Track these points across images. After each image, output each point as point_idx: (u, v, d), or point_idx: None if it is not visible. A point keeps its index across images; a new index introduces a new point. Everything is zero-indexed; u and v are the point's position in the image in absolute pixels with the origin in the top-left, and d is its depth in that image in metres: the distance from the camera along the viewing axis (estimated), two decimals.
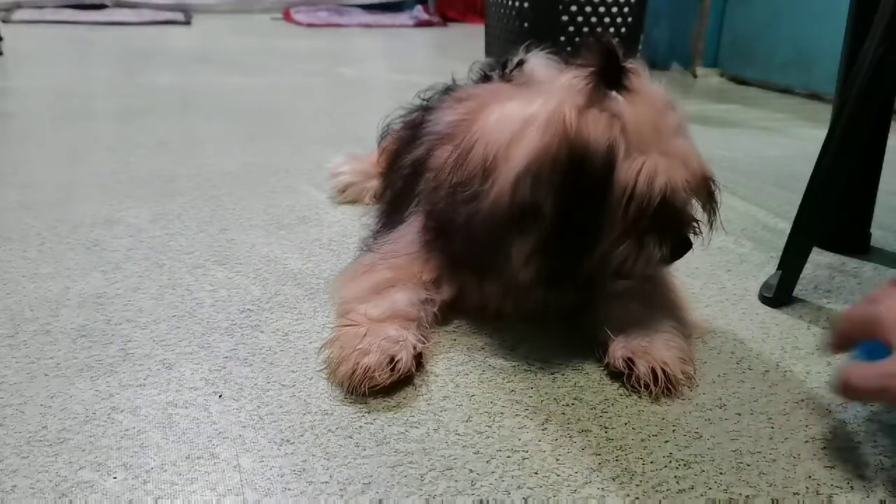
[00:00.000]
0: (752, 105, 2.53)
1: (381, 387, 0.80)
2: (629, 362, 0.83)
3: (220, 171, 1.59)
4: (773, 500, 0.67)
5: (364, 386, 0.79)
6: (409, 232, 0.97)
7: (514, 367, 0.87)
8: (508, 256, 0.84)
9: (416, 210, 0.98)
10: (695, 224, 0.86)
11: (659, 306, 0.91)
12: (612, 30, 2.56)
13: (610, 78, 0.81)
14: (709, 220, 0.87)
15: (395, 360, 0.81)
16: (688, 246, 0.86)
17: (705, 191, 0.84)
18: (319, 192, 1.47)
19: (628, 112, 0.80)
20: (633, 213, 0.80)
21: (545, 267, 0.83)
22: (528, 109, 0.83)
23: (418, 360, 0.85)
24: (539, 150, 0.79)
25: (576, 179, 0.78)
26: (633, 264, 0.84)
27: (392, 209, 1.09)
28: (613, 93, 0.81)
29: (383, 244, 0.99)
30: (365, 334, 0.83)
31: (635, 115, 0.80)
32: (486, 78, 1.10)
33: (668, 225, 0.84)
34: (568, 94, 0.81)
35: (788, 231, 1.12)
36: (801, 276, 1.08)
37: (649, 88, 0.84)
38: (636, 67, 0.84)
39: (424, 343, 0.86)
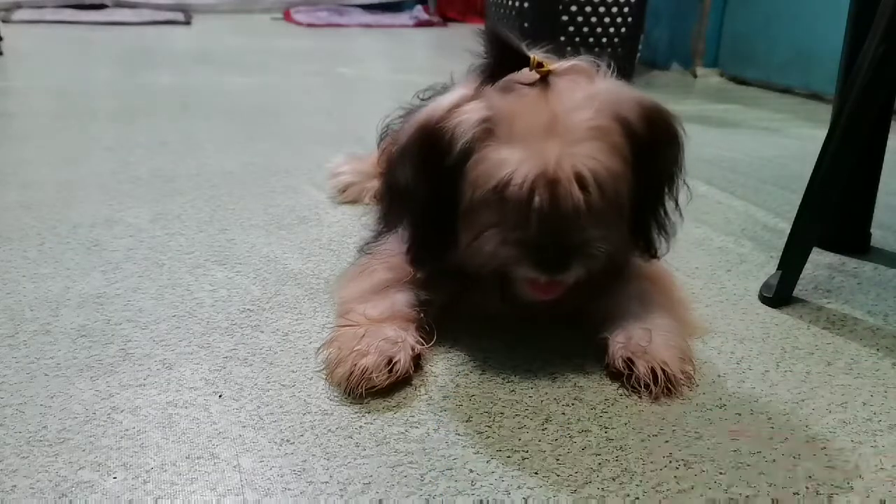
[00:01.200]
0: (752, 105, 2.53)
1: (378, 388, 0.80)
2: (629, 362, 0.83)
3: (220, 171, 1.59)
4: (773, 500, 0.67)
5: (362, 387, 0.79)
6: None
7: (514, 367, 0.87)
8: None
9: None
10: (556, 232, 0.78)
11: (659, 306, 0.91)
12: (612, 30, 2.56)
13: (500, 71, 0.82)
14: (567, 230, 0.79)
15: (393, 361, 0.81)
16: (541, 251, 0.79)
17: (564, 194, 0.77)
18: (319, 192, 1.47)
19: (503, 105, 0.80)
20: (475, 203, 0.80)
21: (412, 247, 0.86)
22: (442, 101, 0.85)
23: (417, 361, 0.85)
24: (408, 137, 0.85)
25: (430, 165, 0.82)
26: (490, 259, 0.81)
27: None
28: (502, 85, 0.81)
29: (381, 245, 0.99)
30: (363, 335, 0.83)
31: (510, 108, 0.80)
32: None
33: (515, 224, 0.79)
34: (465, 85, 0.84)
35: (788, 231, 1.12)
36: (801, 276, 1.08)
37: (552, 83, 0.82)
38: (545, 59, 0.83)
39: (423, 344, 0.86)
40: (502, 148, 0.79)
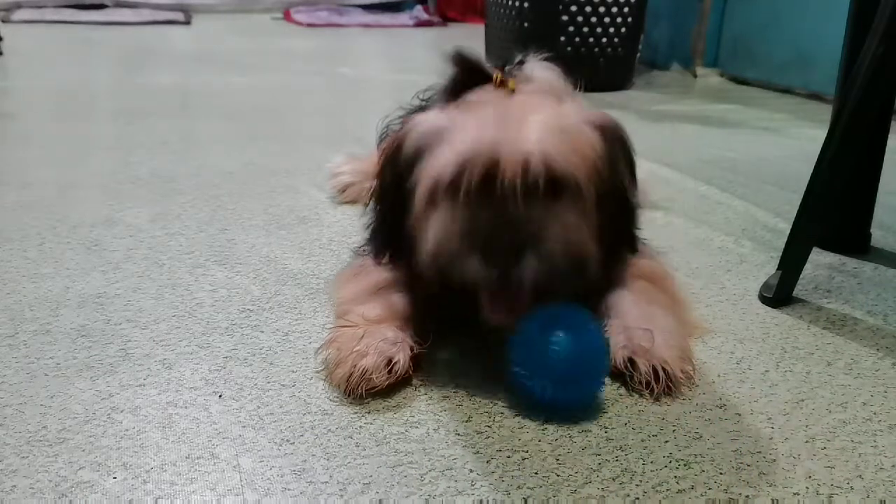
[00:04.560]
0: (752, 105, 2.53)
1: (378, 389, 0.80)
2: (630, 362, 0.83)
3: (220, 171, 1.59)
4: (773, 501, 0.67)
5: (361, 388, 0.79)
6: None
7: None
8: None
9: None
10: (507, 221, 0.76)
11: (658, 305, 0.91)
12: (612, 30, 2.56)
13: (463, 89, 0.85)
14: (520, 219, 0.76)
15: (393, 362, 0.81)
16: (490, 240, 0.76)
17: (513, 176, 0.75)
18: (319, 192, 1.47)
19: (458, 115, 0.82)
20: (425, 204, 0.80)
21: (375, 241, 0.92)
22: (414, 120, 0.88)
23: (416, 361, 0.84)
24: (382, 155, 0.92)
25: (391, 178, 0.87)
26: (442, 258, 0.80)
27: None
28: (463, 101, 0.84)
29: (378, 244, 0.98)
30: (362, 336, 0.83)
31: (465, 116, 0.82)
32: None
33: (464, 216, 0.78)
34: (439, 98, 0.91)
35: (788, 231, 1.12)
36: (801, 276, 1.08)
37: (513, 100, 0.83)
38: (508, 78, 0.86)
39: (422, 344, 0.86)
40: (453, 146, 0.79)
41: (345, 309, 0.91)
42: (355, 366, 0.80)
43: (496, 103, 0.82)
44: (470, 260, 0.77)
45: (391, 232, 0.89)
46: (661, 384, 0.81)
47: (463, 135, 0.79)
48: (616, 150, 0.85)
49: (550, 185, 0.77)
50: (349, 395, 0.80)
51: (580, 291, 0.85)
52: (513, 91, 0.84)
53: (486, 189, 0.76)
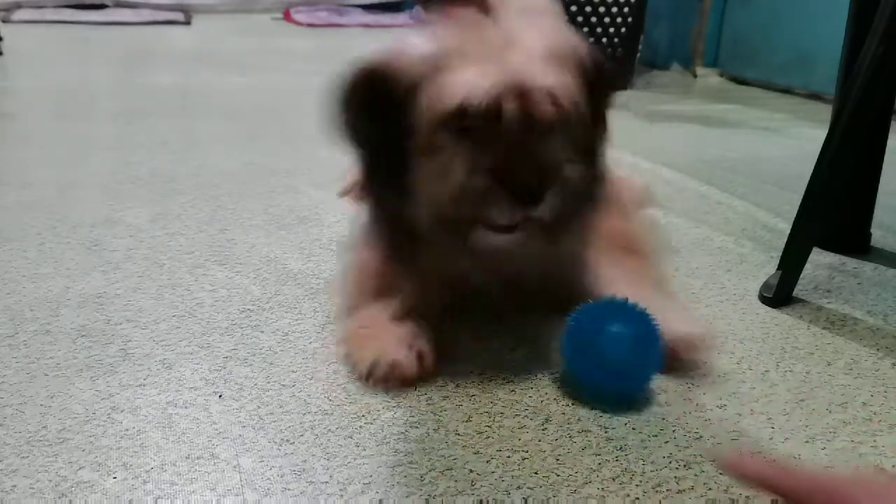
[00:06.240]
0: (752, 105, 2.53)
1: (408, 380, 0.81)
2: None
3: (221, 171, 1.59)
4: (773, 501, 0.67)
5: (393, 377, 0.80)
6: None
7: (514, 367, 0.87)
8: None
9: None
10: (529, 152, 0.72)
11: (646, 283, 0.91)
12: (612, 30, 2.56)
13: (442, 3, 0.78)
14: (541, 150, 0.73)
15: (423, 353, 0.82)
16: (525, 178, 0.72)
17: (535, 107, 0.72)
18: (319, 192, 1.47)
19: (450, 35, 0.75)
20: (430, 135, 0.73)
21: (369, 199, 0.81)
22: (384, 48, 0.80)
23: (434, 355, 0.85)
24: (348, 83, 0.79)
25: (374, 108, 0.76)
26: (458, 196, 0.74)
27: None
28: (445, 18, 0.77)
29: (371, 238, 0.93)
30: (382, 332, 0.83)
31: (459, 36, 0.75)
32: None
33: (487, 145, 0.72)
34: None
35: (788, 231, 1.12)
36: (802, 276, 1.08)
37: (497, 15, 0.76)
38: None
39: (432, 340, 0.85)
40: (457, 70, 0.72)
41: (355, 309, 0.90)
42: (382, 356, 0.80)
43: (487, 22, 0.76)
44: (493, 199, 0.72)
45: (383, 180, 0.79)
46: (689, 351, 0.83)
47: (468, 59, 0.72)
48: (604, 77, 0.81)
49: (558, 116, 0.74)
50: (378, 384, 0.80)
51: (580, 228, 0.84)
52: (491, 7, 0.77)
53: (497, 124, 0.72)
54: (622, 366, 0.79)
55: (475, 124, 0.72)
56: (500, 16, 0.77)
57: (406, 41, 0.77)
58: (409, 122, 0.74)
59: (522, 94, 0.71)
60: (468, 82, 0.71)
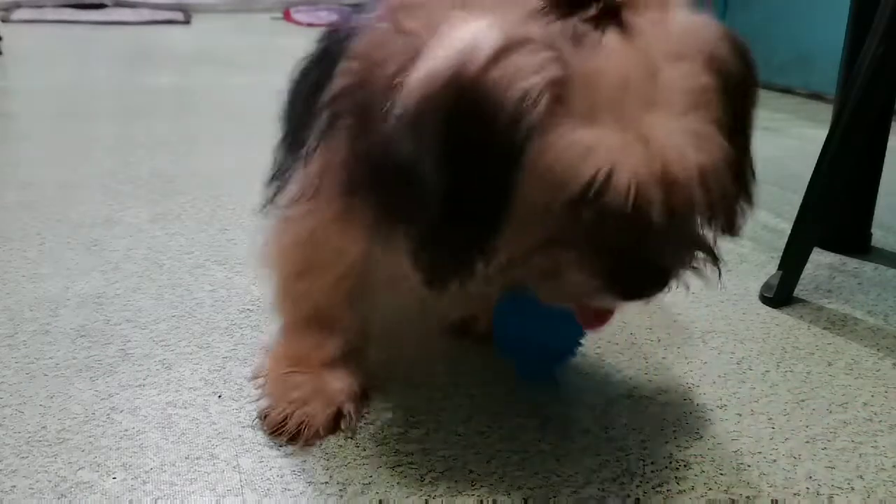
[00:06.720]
0: None
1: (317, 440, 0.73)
2: None
3: (221, 171, 1.59)
4: (773, 501, 0.67)
5: (300, 437, 0.72)
6: (314, 174, 0.68)
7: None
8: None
9: (325, 137, 0.67)
10: (674, 250, 0.59)
11: None
12: None
13: (562, 5, 0.55)
14: (710, 248, 0.62)
15: (342, 412, 0.75)
16: (647, 283, 0.59)
17: (685, 200, 0.55)
18: None
19: (583, 57, 0.54)
20: (544, 204, 0.55)
21: (421, 251, 0.59)
22: (477, 38, 0.55)
23: (364, 394, 0.78)
24: (425, 92, 0.55)
25: (463, 139, 0.55)
26: (545, 286, 0.60)
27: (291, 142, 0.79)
28: (578, 24, 0.54)
29: (286, 200, 0.73)
30: (309, 381, 0.76)
31: (595, 63, 0.54)
32: None
33: (608, 240, 0.56)
34: (512, 16, 0.55)
35: (788, 231, 1.12)
36: (802, 276, 1.08)
37: (628, 23, 0.55)
38: None
39: (364, 381, 0.79)
40: (585, 128, 0.53)
41: (284, 343, 0.81)
42: (297, 413, 0.73)
43: (620, 42, 0.54)
44: (599, 294, 0.59)
45: (444, 225, 0.57)
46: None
47: (599, 108, 0.53)
48: (751, 75, 0.62)
49: (705, 200, 0.57)
50: (290, 441, 0.72)
51: None
52: (621, 8, 0.55)
53: (655, 209, 0.54)
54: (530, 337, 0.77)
55: (598, 208, 0.54)
56: (632, 27, 0.55)
57: (507, 43, 0.54)
58: (511, 176, 0.55)
59: (669, 183, 0.54)
60: (601, 156, 0.53)
